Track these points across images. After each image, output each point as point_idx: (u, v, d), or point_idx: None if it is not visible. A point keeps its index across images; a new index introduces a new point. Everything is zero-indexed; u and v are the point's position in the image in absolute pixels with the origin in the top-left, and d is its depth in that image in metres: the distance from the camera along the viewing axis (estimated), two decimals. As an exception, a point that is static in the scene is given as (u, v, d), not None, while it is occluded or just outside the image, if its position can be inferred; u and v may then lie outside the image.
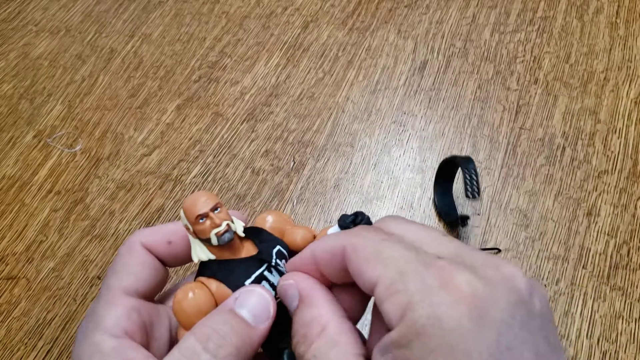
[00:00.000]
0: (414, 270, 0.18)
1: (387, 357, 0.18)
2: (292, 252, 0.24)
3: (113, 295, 0.23)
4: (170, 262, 0.26)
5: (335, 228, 0.24)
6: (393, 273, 0.18)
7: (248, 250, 0.24)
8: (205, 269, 0.24)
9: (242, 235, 0.24)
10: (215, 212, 0.23)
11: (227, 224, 0.23)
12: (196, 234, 0.23)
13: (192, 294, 0.22)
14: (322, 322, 0.20)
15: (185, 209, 0.23)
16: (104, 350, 0.21)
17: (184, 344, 0.21)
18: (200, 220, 0.23)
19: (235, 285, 0.23)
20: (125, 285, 0.23)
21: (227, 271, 0.23)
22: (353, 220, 0.23)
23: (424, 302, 0.17)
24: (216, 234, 0.23)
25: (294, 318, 0.22)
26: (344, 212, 0.24)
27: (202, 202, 0.23)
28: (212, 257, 0.23)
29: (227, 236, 0.23)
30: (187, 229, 0.23)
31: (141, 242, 0.25)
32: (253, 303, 0.22)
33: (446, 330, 0.16)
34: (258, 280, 0.23)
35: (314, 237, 0.25)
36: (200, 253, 0.24)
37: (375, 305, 0.20)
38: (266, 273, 0.23)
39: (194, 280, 0.24)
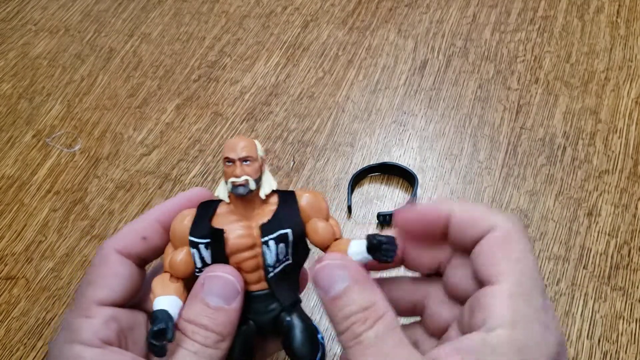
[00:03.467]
0: (537, 295, 0.20)
1: (469, 357, 0.19)
2: (299, 241, 0.24)
3: (88, 307, 0.23)
4: (150, 257, 0.26)
5: (360, 242, 0.23)
6: (525, 283, 0.20)
7: (261, 213, 0.24)
8: (201, 223, 0.23)
9: (263, 197, 0.24)
10: (245, 163, 0.23)
11: (246, 180, 0.23)
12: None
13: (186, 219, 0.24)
14: (382, 308, 0.21)
15: (224, 146, 0.23)
16: (86, 359, 0.21)
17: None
18: (227, 163, 0.23)
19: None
20: (100, 298, 0.23)
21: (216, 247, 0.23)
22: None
23: (531, 329, 0.20)
24: (232, 183, 0.23)
25: (339, 299, 0.21)
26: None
27: (236, 147, 0.23)
28: (227, 200, 0.24)
29: (240, 190, 0.23)
30: None
31: (115, 248, 0.24)
32: (219, 288, 0.22)
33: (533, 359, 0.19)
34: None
35: (336, 238, 0.24)
36: (221, 190, 0.24)
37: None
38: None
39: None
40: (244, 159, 0.23)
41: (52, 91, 0.56)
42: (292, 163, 0.49)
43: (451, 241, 0.24)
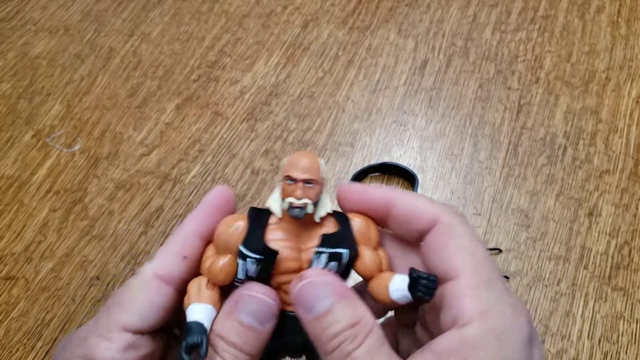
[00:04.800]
0: (493, 285, 0.20)
1: (452, 358, 0.19)
2: (348, 265, 0.23)
3: (110, 329, 0.22)
4: (192, 275, 0.24)
5: (404, 277, 0.21)
6: (480, 276, 0.20)
7: (312, 235, 0.23)
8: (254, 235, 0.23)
9: (317, 220, 0.23)
10: (307, 184, 0.22)
11: (305, 203, 0.22)
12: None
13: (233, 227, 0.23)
14: (370, 322, 0.21)
15: (287, 161, 0.22)
16: None
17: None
18: (288, 182, 0.22)
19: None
20: (126, 323, 0.22)
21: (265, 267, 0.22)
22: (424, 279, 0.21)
23: (502, 314, 0.20)
24: (290, 203, 0.22)
25: (324, 318, 0.21)
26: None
27: (301, 167, 0.22)
28: (279, 215, 0.23)
29: (296, 212, 0.22)
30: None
31: (156, 274, 0.23)
32: (254, 308, 0.22)
33: (511, 344, 0.19)
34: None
35: (381, 270, 0.23)
36: (275, 203, 0.23)
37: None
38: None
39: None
40: (307, 181, 0.22)
41: (52, 91, 0.56)
42: (292, 163, 0.49)
43: (392, 230, 0.24)
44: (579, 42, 0.55)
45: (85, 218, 0.47)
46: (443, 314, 0.21)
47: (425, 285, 0.20)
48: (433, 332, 0.22)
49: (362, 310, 0.21)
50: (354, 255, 0.22)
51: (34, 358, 0.40)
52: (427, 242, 0.22)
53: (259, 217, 0.23)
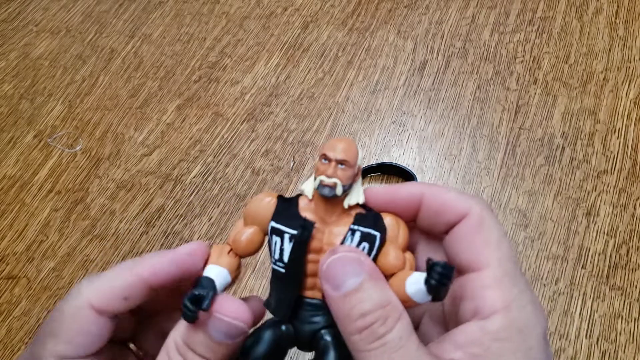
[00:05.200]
0: (516, 279, 0.20)
1: (474, 349, 0.19)
2: (374, 256, 0.22)
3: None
4: (127, 312, 0.23)
5: (422, 273, 0.21)
6: (504, 269, 0.20)
7: (338, 222, 0.23)
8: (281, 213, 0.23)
9: (346, 206, 0.23)
10: (340, 166, 0.22)
11: (334, 182, 0.22)
12: None
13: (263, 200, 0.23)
14: (399, 307, 0.20)
15: (327, 142, 0.23)
16: None
17: (170, 350, 0.21)
18: (323, 161, 0.22)
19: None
20: (63, 354, 0.21)
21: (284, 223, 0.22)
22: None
23: (523, 308, 0.20)
24: (321, 181, 0.22)
25: (353, 295, 0.20)
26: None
27: (337, 147, 0.22)
28: (310, 196, 0.23)
29: (325, 190, 0.22)
30: None
31: (91, 304, 0.22)
32: (225, 329, 0.21)
33: (534, 337, 0.20)
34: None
35: (403, 267, 0.23)
36: (308, 185, 0.23)
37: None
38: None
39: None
40: (340, 162, 0.22)
41: (54, 92, 0.56)
42: (292, 163, 0.49)
43: (421, 225, 0.23)
44: (577, 43, 0.55)
45: (86, 218, 0.47)
46: (463, 305, 0.20)
47: (441, 273, 0.19)
48: (449, 322, 0.22)
49: (391, 294, 0.20)
50: (383, 242, 0.22)
51: (35, 356, 0.40)
52: (455, 232, 0.22)
53: (288, 200, 0.23)
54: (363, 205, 0.23)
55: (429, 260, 0.20)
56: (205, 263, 0.23)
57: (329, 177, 0.22)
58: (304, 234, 0.22)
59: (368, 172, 0.47)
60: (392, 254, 0.22)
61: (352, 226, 0.22)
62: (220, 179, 0.49)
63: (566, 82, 0.52)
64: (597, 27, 0.56)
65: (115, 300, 0.22)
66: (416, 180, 0.45)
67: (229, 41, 0.59)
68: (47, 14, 0.64)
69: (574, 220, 0.44)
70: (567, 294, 0.40)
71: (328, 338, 0.22)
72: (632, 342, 0.38)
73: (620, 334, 0.38)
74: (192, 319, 0.20)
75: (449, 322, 0.22)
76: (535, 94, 0.52)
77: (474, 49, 0.56)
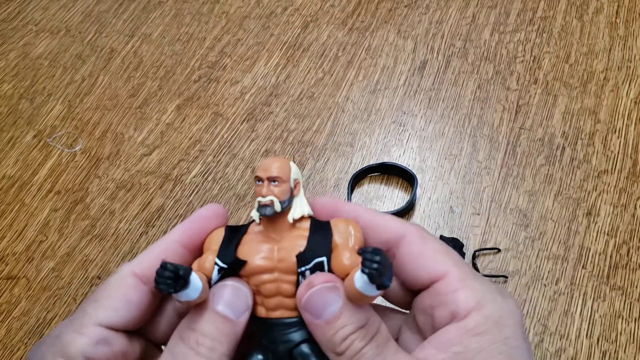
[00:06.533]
0: (476, 275, 0.22)
1: (455, 348, 0.20)
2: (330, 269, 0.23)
3: (83, 324, 0.22)
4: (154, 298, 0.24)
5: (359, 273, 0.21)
6: (463, 270, 0.22)
7: (289, 237, 0.23)
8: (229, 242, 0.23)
9: (290, 221, 0.23)
10: (273, 183, 0.23)
11: (271, 200, 0.22)
12: None
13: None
14: (376, 321, 0.21)
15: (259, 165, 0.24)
16: None
17: (176, 349, 0.21)
18: (257, 182, 0.23)
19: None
20: (101, 319, 0.22)
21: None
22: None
23: (494, 301, 0.21)
24: (258, 202, 0.23)
25: (335, 322, 0.21)
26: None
27: (266, 167, 0.23)
28: (257, 220, 0.23)
29: (263, 210, 0.22)
30: None
31: (133, 272, 0.23)
32: (228, 296, 0.22)
33: (510, 326, 0.21)
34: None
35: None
36: (255, 210, 0.24)
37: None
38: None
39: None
40: (272, 179, 0.23)
41: (53, 91, 0.56)
42: (292, 163, 0.49)
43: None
44: (578, 43, 0.55)
45: (86, 218, 0.47)
46: (438, 313, 0.21)
47: (370, 259, 0.19)
48: (425, 333, 0.22)
49: (368, 311, 0.21)
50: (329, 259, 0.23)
51: (35, 357, 0.40)
52: (402, 253, 0.23)
53: (237, 229, 0.24)
54: (311, 217, 0.24)
55: (359, 250, 0.21)
56: (223, 222, 0.24)
57: (264, 196, 0.22)
58: (232, 270, 0.23)
59: (368, 172, 0.47)
60: (344, 256, 0.22)
61: (299, 270, 0.22)
62: (220, 178, 0.49)
63: (566, 82, 0.52)
64: (597, 27, 0.56)
65: (154, 264, 0.23)
66: (416, 180, 0.45)
67: (228, 41, 0.59)
68: (46, 13, 0.64)
69: (575, 220, 0.44)
70: (567, 294, 0.40)
71: (307, 350, 0.22)
72: (633, 342, 0.38)
73: (620, 334, 0.38)
74: (161, 283, 0.20)
75: (426, 333, 0.23)
76: (535, 93, 0.52)
77: (474, 49, 0.55)
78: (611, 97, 0.51)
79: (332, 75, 0.55)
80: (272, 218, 0.23)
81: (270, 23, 0.60)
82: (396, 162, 0.47)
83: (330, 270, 0.23)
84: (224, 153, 0.50)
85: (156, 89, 0.56)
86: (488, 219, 0.44)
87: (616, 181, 0.45)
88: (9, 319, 0.42)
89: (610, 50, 0.54)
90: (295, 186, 0.23)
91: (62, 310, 0.42)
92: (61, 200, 0.48)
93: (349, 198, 0.45)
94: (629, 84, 0.51)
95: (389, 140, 0.50)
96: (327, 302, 0.21)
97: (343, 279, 0.22)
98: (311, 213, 0.24)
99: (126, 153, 0.51)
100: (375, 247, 0.20)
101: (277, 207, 0.23)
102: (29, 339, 0.41)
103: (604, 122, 0.49)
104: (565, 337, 0.39)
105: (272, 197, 0.22)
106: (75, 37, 0.61)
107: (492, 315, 0.20)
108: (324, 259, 0.22)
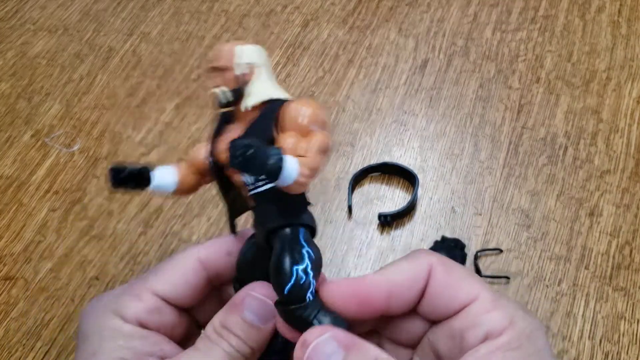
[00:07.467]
0: (502, 295, 0.23)
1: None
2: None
3: (142, 291, 0.24)
4: (227, 275, 0.26)
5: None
6: (491, 291, 0.23)
7: (242, 123, 0.23)
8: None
9: (242, 109, 0.22)
10: (218, 73, 0.22)
11: (217, 91, 0.22)
12: None
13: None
14: (373, 348, 0.22)
15: None
16: (124, 331, 0.22)
17: (209, 339, 0.23)
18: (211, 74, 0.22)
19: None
20: (158, 289, 0.24)
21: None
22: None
23: (524, 318, 0.22)
24: (211, 94, 0.22)
25: None
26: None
27: (218, 54, 0.22)
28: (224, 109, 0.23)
29: (217, 101, 0.22)
30: None
31: (199, 257, 0.25)
32: (257, 307, 0.23)
33: (541, 339, 0.22)
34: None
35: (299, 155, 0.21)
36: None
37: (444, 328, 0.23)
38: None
39: None
40: (215, 69, 0.22)
41: (51, 91, 0.56)
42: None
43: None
44: (580, 42, 0.55)
45: (84, 218, 0.47)
46: (469, 335, 0.22)
47: (233, 154, 0.18)
48: (452, 359, 0.23)
49: (373, 352, 0.21)
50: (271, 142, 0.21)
51: (33, 358, 0.40)
52: (432, 286, 0.23)
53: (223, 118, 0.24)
54: (272, 100, 0.22)
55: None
56: None
57: (216, 86, 0.22)
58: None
59: (369, 171, 0.47)
60: (284, 143, 0.21)
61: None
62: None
63: (569, 81, 0.52)
64: (599, 26, 0.56)
65: (219, 255, 0.25)
66: (418, 180, 0.45)
67: (228, 39, 0.59)
68: (44, 12, 0.63)
69: (577, 221, 0.43)
70: (570, 295, 0.40)
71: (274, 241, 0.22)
72: (635, 344, 0.38)
73: (623, 335, 0.38)
74: (116, 174, 0.22)
75: (452, 358, 0.23)
76: (537, 92, 0.51)
77: (476, 47, 0.55)
78: (614, 96, 0.50)
79: (332, 74, 0.55)
80: (234, 108, 0.22)
81: (270, 21, 0.60)
82: (397, 162, 0.47)
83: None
84: (224, 153, 0.50)
85: (155, 88, 0.55)
86: (490, 219, 0.44)
87: (619, 181, 0.45)
88: (7, 320, 0.42)
89: (612, 49, 0.54)
90: (250, 71, 0.22)
91: (60, 311, 0.42)
92: (59, 200, 0.48)
93: (350, 199, 0.45)
94: (632, 83, 0.51)
95: (389, 140, 0.50)
96: (328, 356, 0.21)
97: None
98: (274, 97, 0.22)
99: (124, 153, 0.51)
100: (241, 139, 0.19)
101: (223, 96, 0.22)
102: (27, 340, 0.41)
103: (607, 121, 0.49)
104: (568, 338, 0.38)
105: (219, 88, 0.22)
106: (73, 36, 0.61)
107: (524, 331, 0.22)
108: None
